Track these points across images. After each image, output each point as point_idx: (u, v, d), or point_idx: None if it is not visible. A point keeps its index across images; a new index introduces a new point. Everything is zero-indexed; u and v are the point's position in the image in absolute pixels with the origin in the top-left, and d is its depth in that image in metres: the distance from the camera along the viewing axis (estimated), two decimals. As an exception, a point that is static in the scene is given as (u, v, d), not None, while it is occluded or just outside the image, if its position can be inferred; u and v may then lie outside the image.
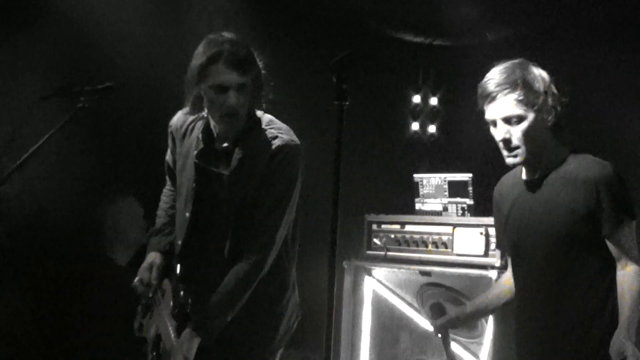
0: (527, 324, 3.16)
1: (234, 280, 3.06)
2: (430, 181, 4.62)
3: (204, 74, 3.07)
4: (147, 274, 3.29)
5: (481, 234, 4.23)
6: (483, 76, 4.23)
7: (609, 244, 2.98)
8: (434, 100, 5.76)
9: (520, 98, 2.99)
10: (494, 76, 3.05)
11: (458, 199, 4.53)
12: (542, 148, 3.04)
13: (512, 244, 3.21)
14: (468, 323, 3.59)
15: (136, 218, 4.31)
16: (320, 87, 3.19)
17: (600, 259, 3.01)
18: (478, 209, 4.43)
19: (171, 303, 3.25)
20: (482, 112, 3.19)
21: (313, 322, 3.40)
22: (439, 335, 3.35)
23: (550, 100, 3.02)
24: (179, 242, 3.24)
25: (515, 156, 3.04)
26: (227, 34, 3.12)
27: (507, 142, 3.02)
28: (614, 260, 3.02)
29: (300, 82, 4.46)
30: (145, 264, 3.31)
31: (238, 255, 3.08)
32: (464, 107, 4.82)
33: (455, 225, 4.38)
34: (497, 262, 4.11)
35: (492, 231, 4.17)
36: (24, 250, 4.26)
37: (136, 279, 3.29)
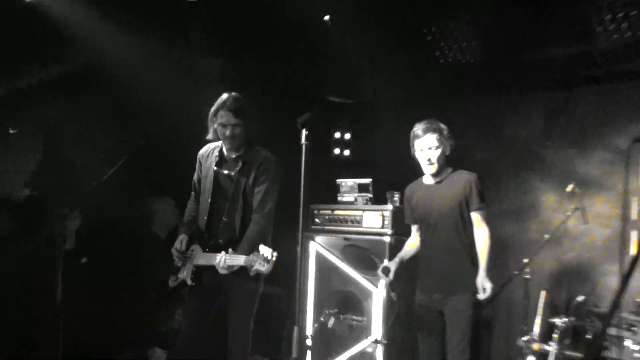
0: (430, 263, 3.70)
1: (251, 233, 3.48)
2: (347, 183, 5.10)
3: (215, 116, 3.50)
4: (180, 245, 3.67)
5: (379, 215, 4.76)
6: (378, 121, 4.73)
7: (472, 216, 3.64)
8: (347, 135, 6.19)
9: (437, 136, 3.61)
10: (422, 125, 3.65)
11: (363, 194, 5.03)
12: (442, 165, 3.70)
13: (422, 218, 3.78)
14: (399, 266, 3.92)
15: (171, 208, 5.38)
16: (283, 131, 3.56)
17: (469, 224, 3.66)
18: (376, 200, 4.95)
19: (200, 252, 3.54)
20: (410, 145, 3.72)
21: (281, 271, 3.61)
22: (386, 276, 3.79)
23: (447, 140, 3.67)
24: (205, 218, 3.61)
25: (433, 167, 3.67)
26: (232, 93, 3.51)
27: (429, 160, 3.64)
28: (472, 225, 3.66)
29: (273, 128, 4.25)
30: (178, 240, 3.70)
31: (246, 224, 3.50)
32: (367, 139, 5.88)
33: (363, 210, 4.91)
34: (389, 231, 4.67)
35: (386, 214, 4.67)
36: (100, 231, 4.87)
37: (173, 248, 3.69)
